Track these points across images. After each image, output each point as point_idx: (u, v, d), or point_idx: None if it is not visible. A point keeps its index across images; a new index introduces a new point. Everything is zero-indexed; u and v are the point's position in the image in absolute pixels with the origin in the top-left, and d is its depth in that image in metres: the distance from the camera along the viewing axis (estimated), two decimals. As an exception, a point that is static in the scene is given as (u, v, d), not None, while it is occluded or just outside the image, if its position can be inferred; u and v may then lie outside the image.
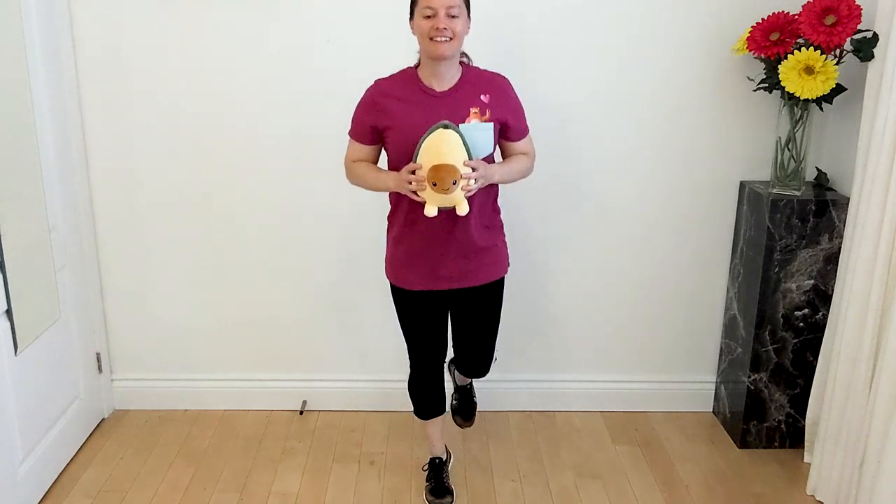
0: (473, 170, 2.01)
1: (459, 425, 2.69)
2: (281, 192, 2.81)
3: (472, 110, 2.10)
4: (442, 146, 1.98)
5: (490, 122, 2.11)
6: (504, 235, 2.34)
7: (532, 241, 2.86)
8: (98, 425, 2.93)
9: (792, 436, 2.79)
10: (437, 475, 2.53)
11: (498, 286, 2.34)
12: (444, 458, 2.57)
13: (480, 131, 2.08)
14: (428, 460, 2.58)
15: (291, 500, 2.51)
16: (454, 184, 1.98)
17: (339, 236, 2.85)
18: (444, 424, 2.55)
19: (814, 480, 2.53)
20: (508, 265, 2.36)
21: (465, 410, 2.65)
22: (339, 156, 2.67)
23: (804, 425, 2.71)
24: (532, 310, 2.94)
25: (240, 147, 2.76)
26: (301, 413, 3.02)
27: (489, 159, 2.16)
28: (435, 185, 1.99)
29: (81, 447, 2.78)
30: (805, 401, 2.69)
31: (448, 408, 2.66)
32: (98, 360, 2.92)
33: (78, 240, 2.75)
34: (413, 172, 2.02)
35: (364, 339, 2.98)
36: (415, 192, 2.04)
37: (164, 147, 2.76)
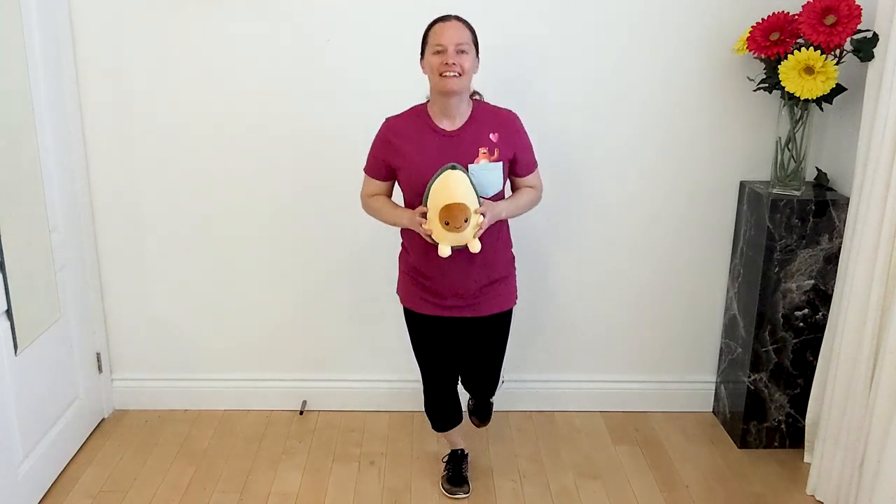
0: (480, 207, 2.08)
1: (476, 425, 2.72)
2: (281, 191, 2.81)
3: (482, 150, 2.15)
4: (451, 185, 2.04)
5: (499, 161, 2.16)
6: (514, 268, 2.39)
7: (532, 241, 2.86)
8: (98, 425, 2.93)
9: (792, 436, 2.79)
10: (456, 465, 2.57)
11: (506, 317, 2.39)
12: (467, 452, 2.62)
13: (489, 171, 2.15)
14: (448, 451, 2.61)
15: (291, 500, 2.51)
16: (466, 221, 2.04)
17: (339, 236, 2.85)
18: (461, 426, 2.58)
19: (814, 480, 2.53)
20: (517, 297, 2.40)
21: (482, 412, 2.67)
22: (342, 158, 2.69)
23: (804, 425, 2.71)
24: (532, 310, 2.94)
25: (240, 146, 2.76)
26: (301, 413, 3.02)
27: (499, 195, 2.22)
28: (447, 224, 2.04)
29: (81, 447, 2.78)
30: (805, 401, 2.69)
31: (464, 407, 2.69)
32: (98, 360, 2.92)
33: (78, 240, 2.75)
34: (424, 216, 2.08)
35: (364, 340, 2.98)
36: (429, 235, 2.09)
37: (164, 147, 2.76)
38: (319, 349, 2.99)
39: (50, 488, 2.55)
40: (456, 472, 2.55)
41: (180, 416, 2.99)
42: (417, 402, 2.69)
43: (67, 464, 2.68)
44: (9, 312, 2.26)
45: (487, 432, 2.89)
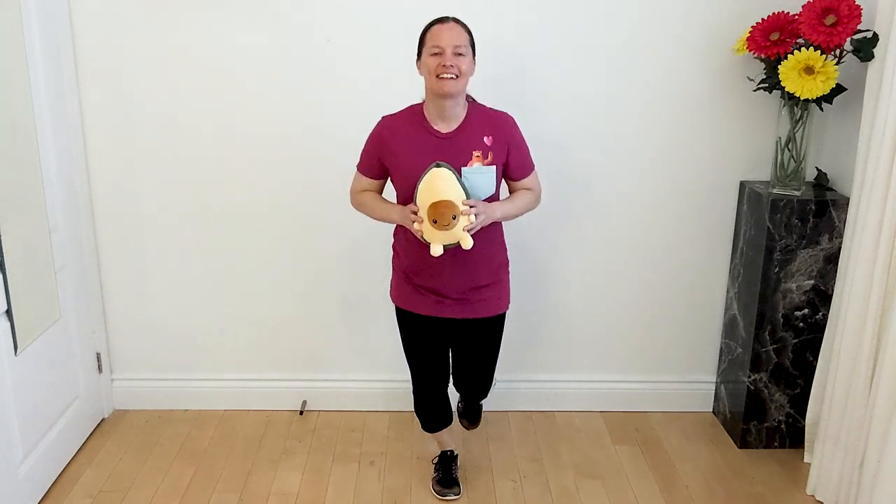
0: (472, 207, 2.06)
1: (466, 427, 2.71)
2: (281, 192, 2.81)
3: (475, 153, 2.14)
4: (437, 183, 2.04)
5: (492, 164, 2.15)
6: (508, 272, 2.38)
7: (532, 242, 2.86)
8: (98, 425, 2.93)
9: (792, 436, 2.79)
10: (445, 467, 2.56)
11: (499, 320, 2.38)
12: (456, 453, 2.60)
13: (482, 174, 2.14)
14: (438, 453, 2.60)
15: (291, 500, 2.51)
16: (454, 219, 2.03)
17: (339, 236, 2.85)
18: (451, 427, 2.57)
19: (814, 480, 2.53)
20: (510, 302, 2.39)
21: (472, 415, 2.67)
22: (340, 157, 2.68)
23: (804, 425, 2.71)
24: (532, 310, 2.94)
25: (240, 146, 2.76)
26: (301, 413, 3.02)
27: (493, 199, 2.20)
28: (436, 222, 2.03)
29: (81, 447, 2.78)
30: (805, 401, 2.69)
31: (454, 409, 2.69)
32: (98, 360, 2.92)
33: (78, 240, 2.75)
34: (416, 213, 2.08)
35: (364, 339, 2.98)
36: (420, 234, 2.09)
37: (164, 147, 2.76)
38: (319, 349, 2.99)
39: (50, 488, 2.55)
40: (446, 473, 2.55)
41: (180, 416, 2.99)
42: (417, 402, 2.70)
43: (67, 464, 2.68)
44: (9, 312, 2.26)
45: (487, 432, 2.88)
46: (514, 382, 3.02)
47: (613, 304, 2.96)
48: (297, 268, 2.89)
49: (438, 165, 2.05)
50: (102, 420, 2.97)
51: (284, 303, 2.93)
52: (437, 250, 2.08)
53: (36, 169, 2.39)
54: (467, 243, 2.08)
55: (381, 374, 3.01)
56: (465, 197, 2.06)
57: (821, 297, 2.63)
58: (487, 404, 2.96)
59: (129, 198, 2.81)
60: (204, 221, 2.84)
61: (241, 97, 2.71)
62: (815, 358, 2.63)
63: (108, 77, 2.69)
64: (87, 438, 2.84)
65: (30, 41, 2.39)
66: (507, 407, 3.03)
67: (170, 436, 2.86)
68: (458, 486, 2.53)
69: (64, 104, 2.62)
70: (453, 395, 2.57)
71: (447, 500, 2.50)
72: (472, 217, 2.06)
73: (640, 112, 2.74)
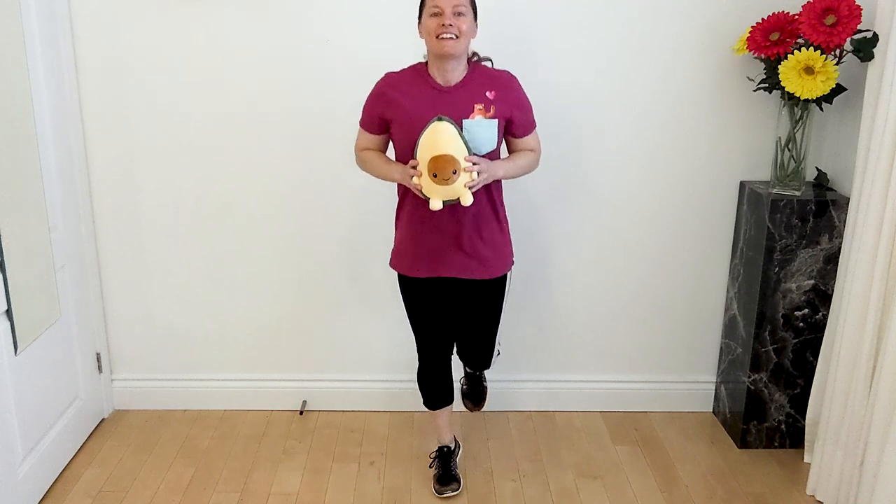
0: (475, 164, 2.05)
1: (469, 409, 2.72)
2: (280, 191, 2.81)
3: (477, 107, 2.13)
4: (438, 137, 2.01)
5: (494, 118, 2.14)
6: (509, 233, 2.36)
7: (532, 242, 2.86)
8: (98, 425, 2.93)
9: (792, 436, 2.79)
10: (444, 463, 2.55)
11: (500, 282, 2.37)
12: (453, 448, 2.60)
13: (484, 128, 2.12)
14: (436, 449, 2.60)
15: (291, 500, 2.51)
16: (454, 174, 2.01)
17: (339, 236, 2.85)
18: (451, 415, 2.57)
19: (814, 480, 2.53)
20: (513, 262, 2.37)
21: (475, 395, 2.67)
22: (340, 158, 2.69)
23: (804, 425, 2.71)
24: (532, 310, 2.94)
25: (240, 146, 2.76)
26: (301, 413, 3.02)
27: (494, 155, 2.19)
28: (435, 176, 2.01)
29: (81, 447, 2.78)
30: (805, 401, 2.69)
31: (458, 392, 2.70)
32: (98, 360, 2.92)
33: (78, 240, 2.75)
34: (416, 168, 2.06)
35: (364, 339, 2.98)
36: (420, 189, 2.08)
37: (164, 147, 2.76)
38: (319, 349, 2.99)
39: (50, 488, 2.55)
40: (445, 469, 2.55)
41: (180, 416, 2.99)
42: (417, 403, 2.69)
43: (67, 464, 2.68)
44: (9, 312, 2.26)
45: (487, 432, 2.89)
46: (514, 382, 3.02)
47: (613, 304, 2.96)
48: (297, 267, 2.89)
49: (440, 119, 2.02)
50: (102, 420, 2.97)
51: (285, 303, 2.93)
52: (436, 205, 2.05)
53: (36, 169, 2.39)
54: (467, 199, 2.05)
55: (381, 374, 3.01)
56: (466, 153, 2.04)
57: (821, 297, 2.63)
58: (487, 404, 2.96)
59: (130, 197, 2.81)
60: (204, 221, 2.84)
61: (241, 97, 2.70)
62: (815, 358, 2.64)
63: (108, 77, 2.69)
64: (87, 438, 2.84)
65: (30, 41, 2.39)
66: (507, 407, 3.03)
67: (170, 436, 2.86)
68: (458, 481, 2.53)
69: (64, 104, 2.62)
70: (457, 385, 2.57)
71: (446, 497, 2.50)
72: (475, 174, 2.05)
73: (639, 112, 2.74)
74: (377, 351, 2.98)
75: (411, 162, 2.08)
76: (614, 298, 2.95)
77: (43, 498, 2.50)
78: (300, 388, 3.03)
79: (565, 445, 2.82)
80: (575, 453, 2.78)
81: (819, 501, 2.51)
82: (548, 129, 2.72)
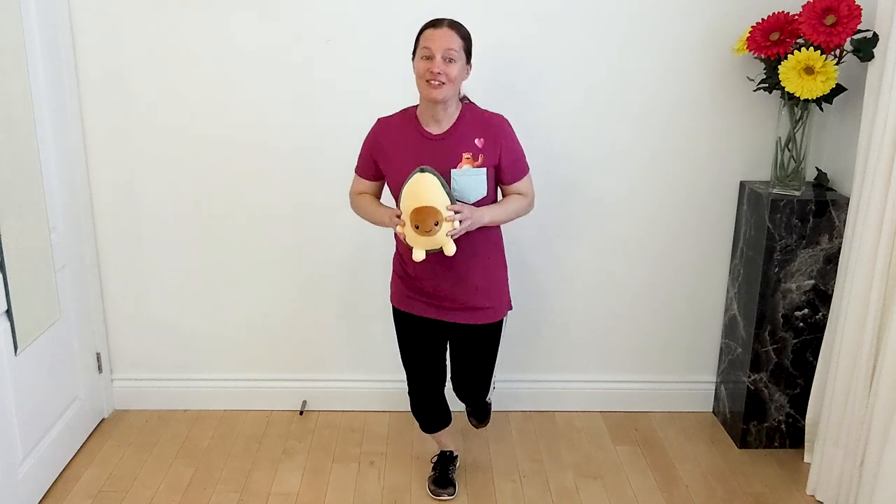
0: (457, 213, 2.03)
1: (475, 426, 2.70)
2: (280, 191, 2.81)
3: (465, 156, 2.12)
4: (419, 189, 2.01)
5: (483, 167, 2.13)
6: (506, 276, 2.35)
7: (532, 242, 2.86)
8: (98, 425, 2.93)
9: (792, 436, 2.79)
10: (443, 466, 2.55)
11: (496, 327, 2.35)
12: (455, 454, 2.60)
13: (471, 177, 2.11)
14: (438, 452, 2.60)
15: (291, 500, 2.51)
16: (436, 225, 2.00)
17: (339, 236, 2.85)
18: (452, 427, 2.56)
19: (814, 480, 2.53)
20: (511, 308, 2.37)
21: (479, 414, 2.65)
22: (339, 159, 2.69)
23: (804, 425, 2.71)
24: (532, 310, 2.94)
25: (240, 147, 2.76)
26: (301, 413, 3.02)
27: (485, 202, 2.18)
28: (417, 227, 2.01)
29: (81, 447, 2.78)
30: (805, 401, 2.69)
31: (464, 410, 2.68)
32: (98, 360, 2.92)
33: (78, 240, 2.75)
34: (399, 219, 2.07)
35: (364, 340, 2.98)
36: (403, 238, 2.08)
37: (164, 147, 2.76)
38: (319, 349, 2.99)
39: (50, 488, 2.55)
40: (442, 473, 2.54)
41: (180, 416, 2.99)
42: (417, 402, 2.70)
43: (67, 464, 2.68)
44: (9, 312, 2.26)
45: (487, 432, 2.89)
46: (514, 382, 3.02)
47: (613, 304, 2.96)
48: (297, 267, 2.90)
49: (423, 170, 2.01)
50: (102, 420, 2.97)
51: (285, 303, 2.93)
52: (418, 255, 2.07)
53: (36, 169, 2.39)
54: (450, 249, 2.05)
55: (381, 374, 3.01)
56: (449, 202, 2.03)
57: (821, 297, 2.63)
58: (487, 404, 2.96)
59: (129, 198, 2.81)
60: (204, 221, 2.84)
61: (241, 98, 2.71)
62: (815, 358, 2.64)
63: (108, 77, 2.69)
64: (87, 438, 2.84)
65: (30, 41, 2.39)
66: (507, 407, 3.03)
67: (170, 436, 2.86)
68: (454, 486, 2.52)
69: (64, 104, 2.62)
70: (453, 395, 2.57)
71: (441, 500, 2.50)
72: (456, 223, 2.04)
73: (639, 112, 2.74)
74: (377, 351, 2.98)
75: (395, 210, 2.10)
76: (614, 298, 2.95)
77: (43, 498, 2.50)
78: (300, 388, 3.03)
79: (565, 445, 2.82)
80: (575, 453, 2.78)
81: (819, 501, 2.51)
82: (548, 129, 2.72)
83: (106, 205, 2.82)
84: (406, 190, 2.03)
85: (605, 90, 2.72)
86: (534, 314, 2.95)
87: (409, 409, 2.50)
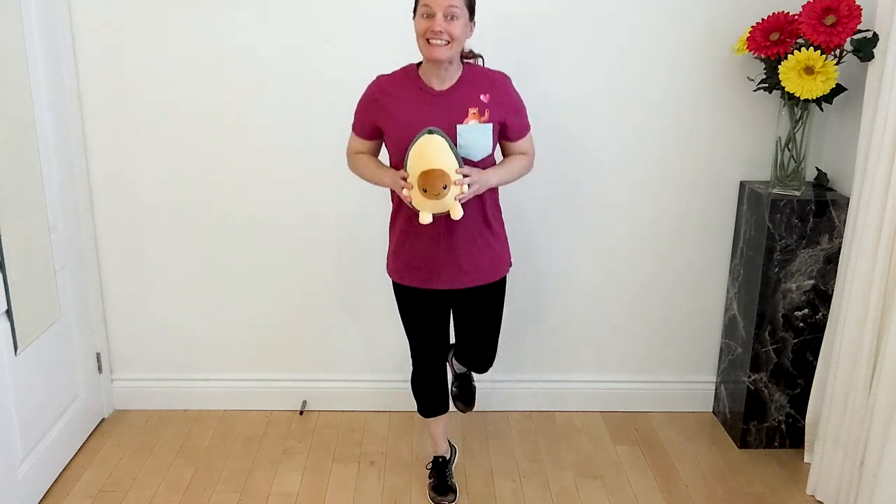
0: (466, 176, 2.00)
1: (461, 410, 2.68)
2: (280, 191, 2.81)
3: (471, 111, 2.07)
4: (428, 152, 1.96)
5: (489, 122, 2.09)
6: (506, 236, 2.33)
7: (532, 241, 2.86)
8: (98, 425, 2.93)
9: (792, 436, 2.79)
10: (440, 473, 2.53)
11: (499, 286, 2.33)
12: (448, 457, 2.58)
13: (478, 133, 2.07)
14: (431, 459, 2.58)
15: (291, 500, 2.51)
16: (445, 188, 1.96)
17: (338, 237, 2.86)
18: (447, 423, 2.56)
19: (814, 480, 2.53)
20: (511, 264, 2.35)
21: (466, 396, 2.65)
22: (339, 158, 2.68)
23: (804, 425, 2.71)
24: (532, 310, 2.94)
25: (240, 146, 2.76)
26: (301, 413, 3.02)
27: (490, 159, 2.15)
28: (425, 191, 1.96)
29: (81, 447, 2.78)
30: (805, 401, 2.69)
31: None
32: (98, 360, 2.92)
33: (78, 240, 2.75)
34: (405, 180, 2.02)
35: (364, 340, 2.98)
36: (409, 201, 2.04)
37: (164, 147, 2.76)
38: (319, 349, 2.99)
39: (50, 488, 2.55)
40: (440, 479, 2.52)
41: (180, 416, 2.99)
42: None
43: (67, 464, 2.68)
44: (9, 312, 2.26)
45: (487, 432, 2.89)
46: (514, 382, 3.02)
47: (613, 304, 2.96)
48: (297, 267, 2.89)
49: (431, 132, 1.96)
50: (102, 420, 2.97)
51: (285, 302, 2.93)
52: (425, 218, 2.01)
53: (36, 169, 2.39)
54: (457, 213, 2.01)
55: (381, 374, 3.01)
56: (457, 165, 1.98)
57: (821, 297, 2.63)
58: (487, 404, 2.97)
59: (130, 198, 2.81)
60: (204, 221, 2.84)
61: (241, 97, 2.71)
62: (815, 358, 2.64)
63: (108, 77, 2.69)
64: (87, 438, 2.84)
65: (30, 41, 2.39)
66: (507, 407, 3.03)
67: (170, 436, 2.86)
68: (454, 492, 2.50)
69: (64, 104, 2.62)
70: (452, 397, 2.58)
71: None
72: (465, 187, 2.00)
73: (639, 112, 2.74)
74: (377, 351, 2.98)
75: (401, 172, 2.04)
76: (614, 298, 2.95)
77: (43, 498, 2.50)
78: (300, 388, 3.03)
79: (565, 445, 2.82)
80: (575, 453, 2.78)
81: (819, 501, 2.51)
82: (548, 128, 2.72)
83: (106, 204, 2.82)
84: (413, 151, 1.98)
85: (605, 90, 2.72)
86: (534, 314, 2.95)
87: (410, 409, 2.50)
